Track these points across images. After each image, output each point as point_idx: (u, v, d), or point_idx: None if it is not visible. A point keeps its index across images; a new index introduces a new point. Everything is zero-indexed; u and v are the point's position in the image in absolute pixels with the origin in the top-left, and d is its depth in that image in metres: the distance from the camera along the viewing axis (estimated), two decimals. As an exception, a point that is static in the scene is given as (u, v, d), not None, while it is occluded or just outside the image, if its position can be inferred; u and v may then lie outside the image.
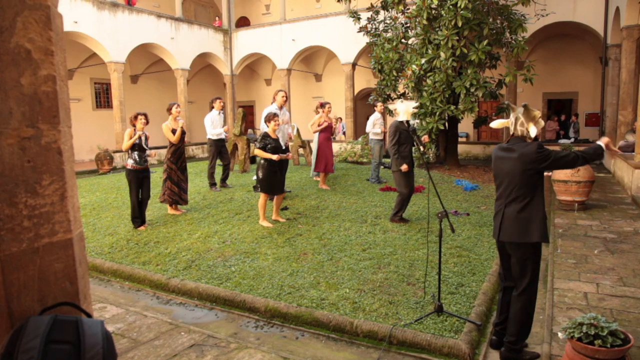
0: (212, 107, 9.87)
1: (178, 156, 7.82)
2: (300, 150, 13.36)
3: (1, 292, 1.41)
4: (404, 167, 6.82)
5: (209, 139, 9.71)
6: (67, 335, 1.37)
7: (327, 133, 9.61)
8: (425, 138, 7.50)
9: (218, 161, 9.87)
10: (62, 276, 1.57)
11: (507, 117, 3.46)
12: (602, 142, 3.28)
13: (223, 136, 9.76)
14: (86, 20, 16.06)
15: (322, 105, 9.75)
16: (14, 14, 1.39)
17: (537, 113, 3.30)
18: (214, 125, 9.60)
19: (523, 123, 3.28)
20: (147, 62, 21.63)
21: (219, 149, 9.74)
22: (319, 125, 9.53)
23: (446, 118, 11.86)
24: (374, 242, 6.09)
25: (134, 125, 7.04)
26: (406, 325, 3.90)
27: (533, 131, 3.25)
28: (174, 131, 7.69)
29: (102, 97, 20.79)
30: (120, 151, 17.17)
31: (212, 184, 9.67)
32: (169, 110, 7.83)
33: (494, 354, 3.58)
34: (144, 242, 6.54)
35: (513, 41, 11.78)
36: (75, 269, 1.60)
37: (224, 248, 6.09)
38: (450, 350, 3.57)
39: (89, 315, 1.57)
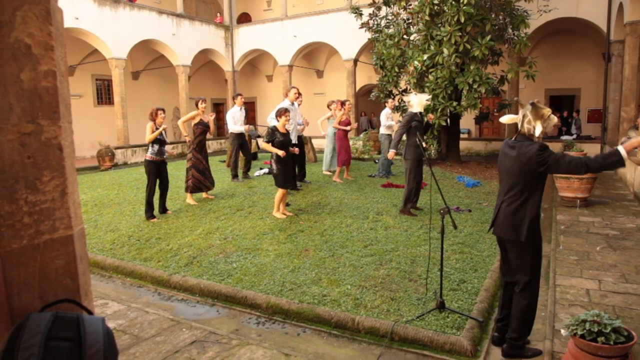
0: (234, 104, 10.23)
1: (201, 147, 8.35)
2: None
3: (2, 289, 1.40)
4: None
5: (230, 133, 10.11)
6: (68, 332, 1.36)
7: (346, 129, 10.11)
8: (430, 116, 7.64)
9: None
10: (62, 273, 1.56)
11: (510, 112, 3.42)
12: (623, 148, 2.83)
13: (243, 130, 10.16)
14: (87, 17, 16.03)
15: (342, 103, 10.20)
16: (14, 9, 1.38)
17: (547, 111, 3.21)
18: (235, 121, 9.93)
19: (530, 121, 3.22)
20: (148, 58, 21.58)
21: (241, 142, 10.11)
22: (340, 123, 9.93)
23: (448, 114, 11.83)
24: (375, 238, 6.08)
25: (153, 120, 7.33)
26: (408, 321, 3.90)
27: (539, 129, 3.18)
28: (202, 122, 8.21)
29: (104, 94, 20.76)
30: (122, 147, 17.18)
31: (235, 176, 10.17)
32: (196, 104, 8.39)
33: (496, 350, 3.57)
34: (146, 239, 6.54)
35: (515, 37, 11.74)
36: (76, 265, 1.59)
37: (226, 244, 6.08)
38: (452, 347, 3.56)
39: (90, 312, 1.56)
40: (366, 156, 13.83)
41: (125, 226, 7.18)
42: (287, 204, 7.70)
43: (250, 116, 23.54)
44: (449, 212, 4.05)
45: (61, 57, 1.55)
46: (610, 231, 6.49)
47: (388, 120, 10.68)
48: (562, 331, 2.92)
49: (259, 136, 14.88)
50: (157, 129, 7.29)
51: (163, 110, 7.47)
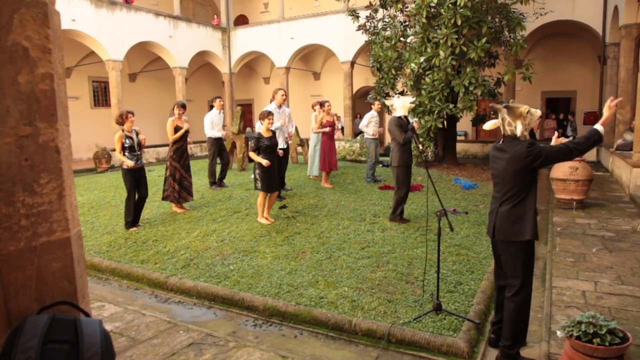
0: (212, 106, 9.87)
1: (180, 154, 7.79)
2: (299, 149, 13.35)
3: (-1, 292, 1.40)
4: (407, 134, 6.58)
5: (208, 137, 9.70)
6: (65, 334, 1.37)
7: (330, 132, 9.56)
8: (415, 125, 7.13)
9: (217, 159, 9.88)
10: (60, 275, 1.56)
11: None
12: (599, 125, 3.12)
13: (221, 135, 9.78)
14: (84, 18, 16.00)
15: (321, 104, 9.65)
16: (11, 12, 1.38)
17: (523, 109, 3.23)
18: (213, 125, 9.62)
19: (510, 122, 3.26)
20: (145, 60, 21.56)
21: (219, 148, 9.73)
22: (322, 126, 9.46)
23: (445, 116, 11.85)
24: (372, 240, 6.08)
25: (121, 124, 6.88)
26: (405, 323, 3.90)
27: (519, 128, 3.21)
28: (178, 128, 7.67)
29: (100, 96, 20.73)
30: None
31: (212, 183, 9.68)
32: (172, 109, 7.92)
33: (493, 352, 3.58)
34: (142, 241, 6.53)
35: (511, 39, 11.78)
36: (73, 268, 1.60)
37: (223, 246, 6.08)
38: (449, 349, 3.57)
39: (87, 315, 1.57)
40: (363, 158, 13.84)
41: (122, 228, 7.16)
42: (284, 207, 7.71)
43: (248, 118, 23.52)
44: (446, 214, 4.06)
45: (58, 60, 1.56)
46: (606, 233, 6.51)
47: (369, 127, 10.12)
48: (558, 333, 2.93)
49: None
50: (126, 136, 6.82)
51: (132, 113, 6.94)
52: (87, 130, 18.57)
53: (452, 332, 3.75)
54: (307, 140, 13.30)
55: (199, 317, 4.50)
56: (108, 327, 4.13)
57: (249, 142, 12.62)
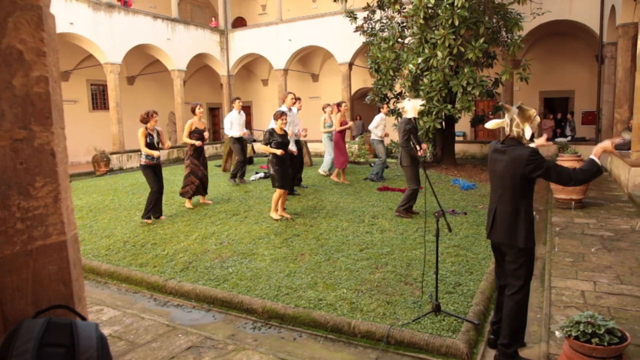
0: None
1: (199, 153, 8.31)
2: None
3: (-6, 296, 1.40)
4: (424, 146, 6.96)
5: (230, 137, 10.15)
6: (61, 338, 1.36)
7: (344, 132, 10.25)
8: (424, 146, 7.55)
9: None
10: (56, 279, 1.56)
11: (504, 116, 3.42)
12: (594, 154, 3.09)
13: (240, 134, 10.18)
14: (82, 22, 16.01)
15: (338, 105, 10.28)
16: (5, 15, 1.38)
17: (532, 112, 3.24)
18: (232, 125, 9.98)
19: (518, 124, 3.24)
20: (143, 63, 21.56)
21: (241, 145, 10.17)
22: (341, 125, 10.05)
23: (443, 117, 11.86)
24: (371, 242, 6.08)
25: (145, 122, 7.32)
26: (404, 325, 3.90)
27: (528, 132, 3.20)
28: (196, 130, 8.15)
29: (99, 99, 20.72)
30: (117, 153, 17.15)
31: (240, 177, 10.33)
32: (193, 110, 8.36)
33: (492, 353, 3.57)
34: (141, 244, 6.52)
35: (509, 40, 11.80)
36: (69, 271, 1.59)
37: (221, 249, 6.07)
38: (448, 350, 3.56)
39: (84, 318, 1.56)
40: (362, 160, 13.85)
41: (120, 232, 7.16)
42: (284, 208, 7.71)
43: (246, 120, 23.51)
44: (444, 214, 4.06)
45: (53, 63, 1.55)
46: (605, 232, 6.51)
47: (378, 129, 10.67)
48: (557, 333, 2.93)
49: (254, 140, 14.88)
50: (149, 134, 7.29)
51: (157, 113, 7.48)
52: (85, 134, 18.56)
53: (451, 333, 3.75)
54: (306, 142, 13.31)
55: (197, 320, 4.49)
56: (107, 330, 4.12)
57: (249, 142, 12.63)
